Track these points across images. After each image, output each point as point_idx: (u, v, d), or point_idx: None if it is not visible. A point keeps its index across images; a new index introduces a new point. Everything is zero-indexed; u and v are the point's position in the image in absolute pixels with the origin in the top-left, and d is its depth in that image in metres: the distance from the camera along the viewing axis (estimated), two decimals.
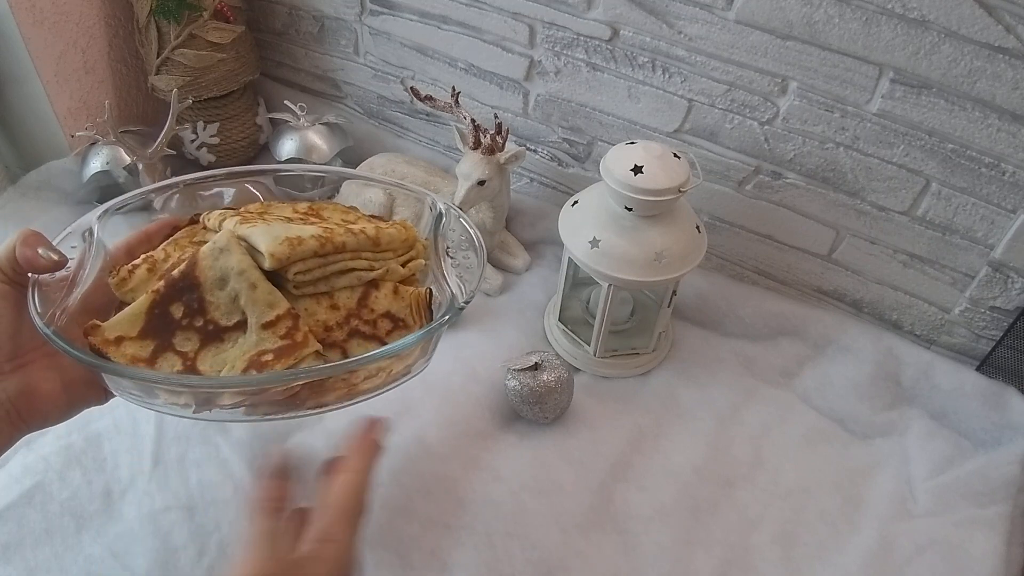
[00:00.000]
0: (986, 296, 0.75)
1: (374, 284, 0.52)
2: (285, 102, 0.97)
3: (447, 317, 0.49)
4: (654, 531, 0.65)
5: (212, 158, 1.01)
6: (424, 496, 0.65)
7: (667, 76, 0.78)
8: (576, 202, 0.75)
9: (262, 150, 1.05)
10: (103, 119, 0.85)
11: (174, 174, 0.92)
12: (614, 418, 0.74)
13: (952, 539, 0.64)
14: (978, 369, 0.77)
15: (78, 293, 0.48)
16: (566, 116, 0.88)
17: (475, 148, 0.79)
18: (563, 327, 0.81)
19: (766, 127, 0.76)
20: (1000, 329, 0.76)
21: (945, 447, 0.71)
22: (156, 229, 0.54)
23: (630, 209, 0.68)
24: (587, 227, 0.71)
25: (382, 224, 0.55)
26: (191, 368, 0.46)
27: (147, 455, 0.66)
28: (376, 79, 1.01)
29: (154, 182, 0.89)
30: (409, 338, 0.48)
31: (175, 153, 0.94)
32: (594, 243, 0.70)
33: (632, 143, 0.69)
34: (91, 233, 0.51)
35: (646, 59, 0.78)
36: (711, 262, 0.89)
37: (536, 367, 0.70)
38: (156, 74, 0.93)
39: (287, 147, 0.95)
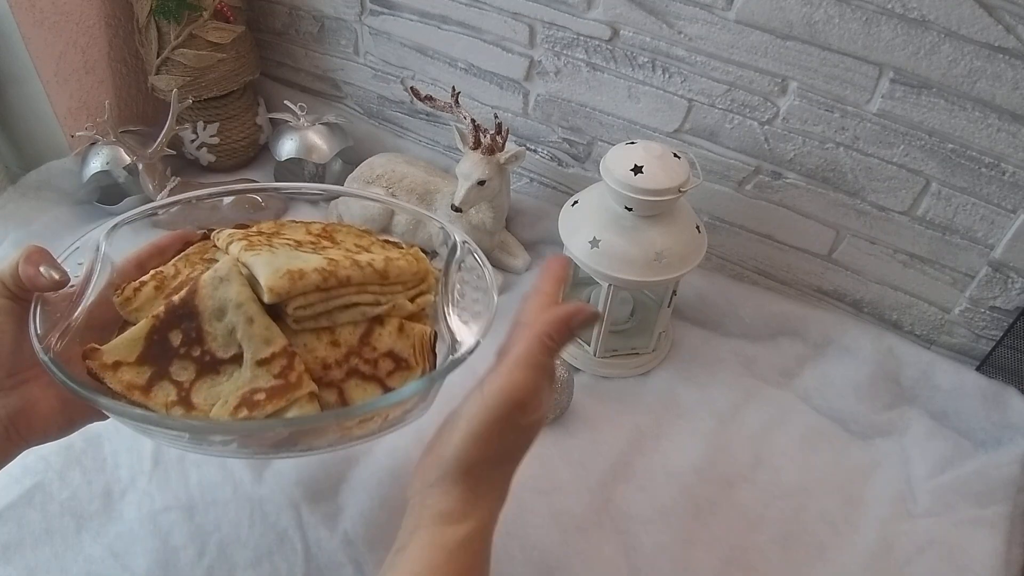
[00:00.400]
0: (986, 296, 0.75)
1: (379, 320, 0.50)
2: (285, 102, 0.97)
3: (448, 366, 0.47)
4: (654, 531, 0.65)
5: (212, 158, 1.01)
6: None
7: (667, 76, 0.78)
8: (576, 202, 0.75)
9: (262, 150, 1.05)
10: (103, 119, 0.85)
11: (174, 174, 0.92)
12: (614, 418, 0.74)
13: (952, 539, 0.64)
14: (978, 369, 0.77)
15: (84, 308, 0.47)
16: (566, 116, 0.88)
17: (475, 148, 0.79)
18: None
19: (766, 127, 0.76)
20: (1000, 329, 0.76)
21: (945, 447, 0.71)
22: (168, 243, 0.53)
23: (630, 209, 0.68)
24: (587, 227, 0.71)
25: (394, 253, 0.53)
26: (185, 399, 0.45)
27: (147, 455, 0.66)
28: (376, 79, 1.01)
29: (154, 182, 0.89)
30: (405, 390, 0.47)
31: (175, 153, 0.94)
32: (594, 243, 0.70)
33: (632, 143, 0.69)
34: (98, 248, 0.50)
35: (646, 59, 0.78)
36: (711, 262, 0.89)
37: None
38: (156, 74, 0.93)
39: (287, 147, 0.95)
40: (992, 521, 0.65)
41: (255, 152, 1.05)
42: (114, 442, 0.66)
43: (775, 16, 0.69)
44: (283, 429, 0.45)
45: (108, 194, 0.94)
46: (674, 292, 0.76)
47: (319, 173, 1.02)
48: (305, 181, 1.02)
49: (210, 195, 0.58)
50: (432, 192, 0.88)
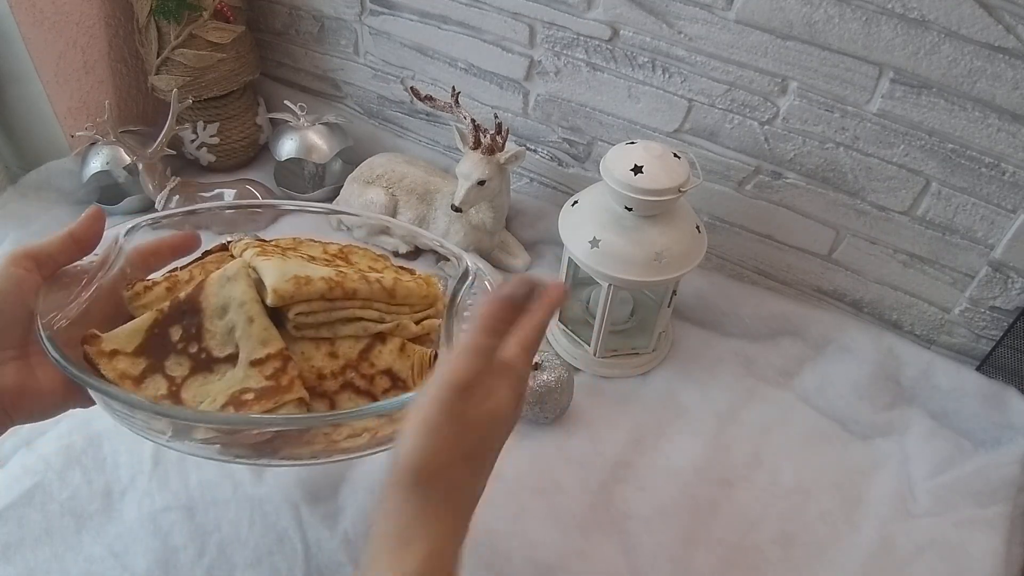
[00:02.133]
0: (986, 296, 0.75)
1: (381, 338, 0.49)
2: (285, 102, 0.97)
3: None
4: (654, 531, 0.65)
5: (212, 158, 1.01)
6: None
7: (667, 76, 0.78)
8: (576, 202, 0.75)
9: (262, 150, 1.05)
10: (103, 119, 0.85)
11: (174, 174, 0.92)
12: (614, 418, 0.74)
13: (952, 539, 0.64)
14: (978, 369, 0.77)
15: (91, 296, 0.48)
16: (566, 116, 0.88)
17: (475, 148, 0.79)
18: (563, 327, 0.81)
19: (766, 127, 0.76)
20: (1000, 329, 0.76)
21: (945, 447, 0.71)
22: (179, 242, 0.53)
23: (630, 209, 0.68)
24: (587, 227, 0.71)
25: (405, 276, 0.53)
26: (175, 395, 0.45)
27: (147, 455, 0.66)
28: (376, 79, 1.01)
29: (154, 182, 0.89)
30: (394, 401, 0.46)
31: (175, 153, 0.94)
32: (594, 243, 0.70)
33: (632, 143, 0.69)
34: (116, 241, 0.50)
35: (646, 59, 0.78)
36: (711, 262, 0.89)
37: (536, 367, 0.70)
38: (156, 74, 0.93)
39: (287, 147, 0.95)
40: (992, 521, 0.65)
41: (255, 152, 1.05)
42: (114, 442, 0.67)
43: (775, 16, 0.69)
44: (263, 428, 0.44)
45: (108, 194, 0.94)
46: (674, 292, 0.76)
47: (319, 173, 1.02)
48: (305, 181, 1.02)
49: (237, 206, 0.59)
50: (432, 192, 0.88)
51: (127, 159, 0.90)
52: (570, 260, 0.75)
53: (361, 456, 0.47)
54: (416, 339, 0.51)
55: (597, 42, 0.80)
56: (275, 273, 0.46)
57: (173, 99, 0.86)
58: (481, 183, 0.78)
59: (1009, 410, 0.71)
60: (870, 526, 0.66)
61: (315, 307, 0.47)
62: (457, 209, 0.79)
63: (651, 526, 0.65)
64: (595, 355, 0.78)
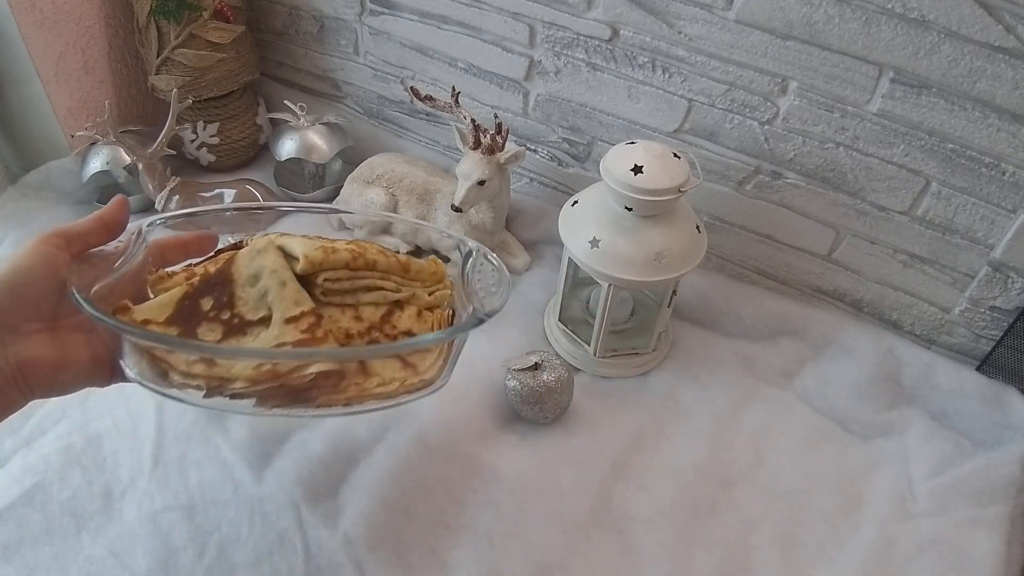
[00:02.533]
0: (986, 296, 0.75)
1: (399, 305, 0.53)
2: (285, 102, 0.97)
3: (472, 322, 0.50)
4: (654, 531, 0.65)
5: (212, 158, 1.01)
6: (424, 496, 0.65)
7: (667, 76, 0.78)
8: (576, 202, 0.75)
9: (262, 150, 1.06)
10: (103, 119, 0.85)
11: (174, 174, 0.92)
12: (614, 418, 0.74)
13: (952, 539, 0.64)
14: (978, 369, 0.77)
15: (114, 279, 0.49)
16: (566, 116, 0.88)
17: (475, 148, 0.79)
18: (563, 327, 0.81)
19: (766, 127, 0.76)
20: (1000, 329, 0.76)
21: (945, 447, 0.71)
22: (192, 239, 0.56)
23: (630, 209, 0.68)
24: (587, 227, 0.71)
25: (415, 260, 0.57)
26: (207, 360, 0.46)
27: (147, 455, 0.66)
28: (376, 79, 1.01)
29: (154, 182, 0.89)
30: (427, 337, 0.50)
31: (175, 153, 0.94)
32: (594, 243, 0.70)
33: (632, 143, 0.69)
34: (139, 232, 0.53)
35: (646, 59, 0.78)
36: (711, 262, 0.89)
37: (536, 367, 0.70)
38: (156, 74, 0.93)
39: (287, 147, 0.95)
40: (992, 521, 0.65)
41: (255, 152, 1.05)
42: (114, 442, 0.67)
43: (775, 16, 0.69)
44: (308, 359, 0.46)
45: (108, 194, 0.93)
46: (674, 292, 0.76)
47: (319, 173, 1.02)
48: (305, 181, 1.02)
49: (259, 208, 0.63)
50: (432, 192, 0.88)
51: (127, 159, 0.90)
52: (570, 260, 0.75)
53: (391, 406, 0.50)
54: (429, 308, 0.55)
55: (597, 42, 0.80)
56: (303, 244, 0.50)
57: (173, 99, 0.86)
58: (481, 183, 0.78)
59: (1009, 410, 0.71)
60: (870, 526, 0.66)
61: (340, 275, 0.50)
62: (457, 209, 0.79)
63: (651, 526, 0.65)
64: (595, 355, 0.78)
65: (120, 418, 0.68)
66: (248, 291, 0.49)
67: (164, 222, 0.55)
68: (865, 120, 0.71)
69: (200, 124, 0.98)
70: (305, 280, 0.50)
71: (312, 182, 1.02)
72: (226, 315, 0.48)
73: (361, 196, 0.89)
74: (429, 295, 0.55)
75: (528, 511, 0.65)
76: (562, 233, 0.74)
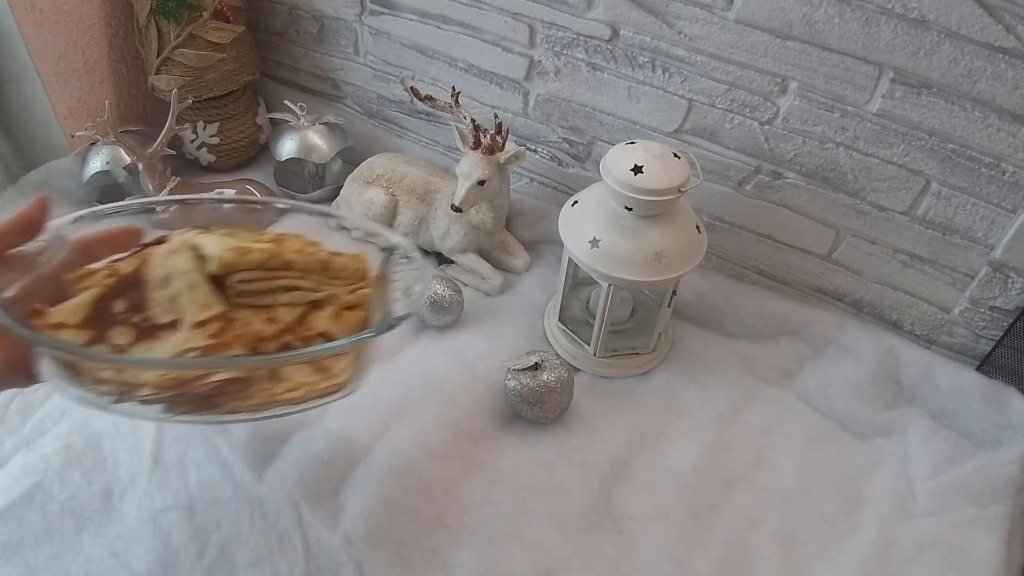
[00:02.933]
0: (986, 296, 0.75)
1: (317, 305, 0.51)
2: (285, 102, 0.97)
3: (381, 327, 0.48)
4: (654, 531, 0.65)
5: (212, 158, 1.01)
6: (424, 496, 0.65)
7: (667, 76, 0.78)
8: (576, 202, 0.75)
9: (262, 150, 1.05)
10: (103, 119, 0.85)
11: (174, 174, 0.92)
12: (614, 418, 0.74)
13: (952, 539, 0.64)
14: (978, 369, 0.77)
15: (32, 280, 0.48)
16: (566, 116, 0.88)
17: (475, 148, 0.79)
18: (563, 327, 0.81)
19: (766, 127, 0.76)
20: (1000, 329, 0.76)
21: (945, 447, 0.71)
22: (118, 233, 0.54)
23: (630, 209, 0.68)
24: (587, 227, 0.71)
25: (339, 255, 0.55)
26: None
27: (147, 455, 0.66)
28: (376, 79, 1.01)
29: (154, 182, 0.89)
30: (334, 344, 0.48)
31: (175, 153, 0.94)
32: (594, 243, 0.70)
33: (632, 143, 0.69)
34: (60, 229, 0.51)
35: (646, 59, 0.78)
36: (711, 262, 0.89)
37: (536, 367, 0.70)
38: (156, 74, 0.93)
39: (287, 147, 0.95)
40: (992, 521, 0.65)
41: (255, 152, 1.05)
42: (114, 442, 0.67)
43: (775, 16, 0.69)
44: (213, 368, 0.46)
45: (108, 194, 0.94)
46: (674, 292, 0.76)
47: (319, 173, 1.02)
48: (305, 181, 1.02)
49: (165, 202, 0.60)
50: (432, 192, 0.88)
51: (127, 159, 0.90)
52: (570, 260, 0.75)
53: (299, 412, 0.49)
54: (349, 308, 0.53)
55: (597, 42, 0.80)
56: (217, 244, 0.49)
57: (173, 99, 0.86)
58: (481, 183, 0.78)
59: (1009, 410, 0.71)
60: (870, 526, 0.66)
61: (255, 275, 0.49)
62: (457, 209, 0.79)
63: (651, 526, 0.65)
64: (595, 355, 0.78)
65: (120, 418, 0.68)
66: (160, 293, 0.48)
67: (92, 217, 0.53)
68: (865, 120, 0.71)
69: (200, 124, 0.98)
70: (220, 281, 0.49)
71: (312, 182, 1.02)
72: (138, 318, 0.47)
73: (361, 196, 0.89)
74: (350, 294, 0.54)
75: (528, 511, 0.65)
76: (562, 233, 0.74)
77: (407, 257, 0.56)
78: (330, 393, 0.50)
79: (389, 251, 0.56)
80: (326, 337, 0.50)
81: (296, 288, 0.51)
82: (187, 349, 0.46)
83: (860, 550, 0.64)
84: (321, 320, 0.51)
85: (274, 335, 0.49)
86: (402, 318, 0.49)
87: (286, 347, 0.49)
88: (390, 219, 0.89)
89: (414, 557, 0.61)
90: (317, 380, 0.49)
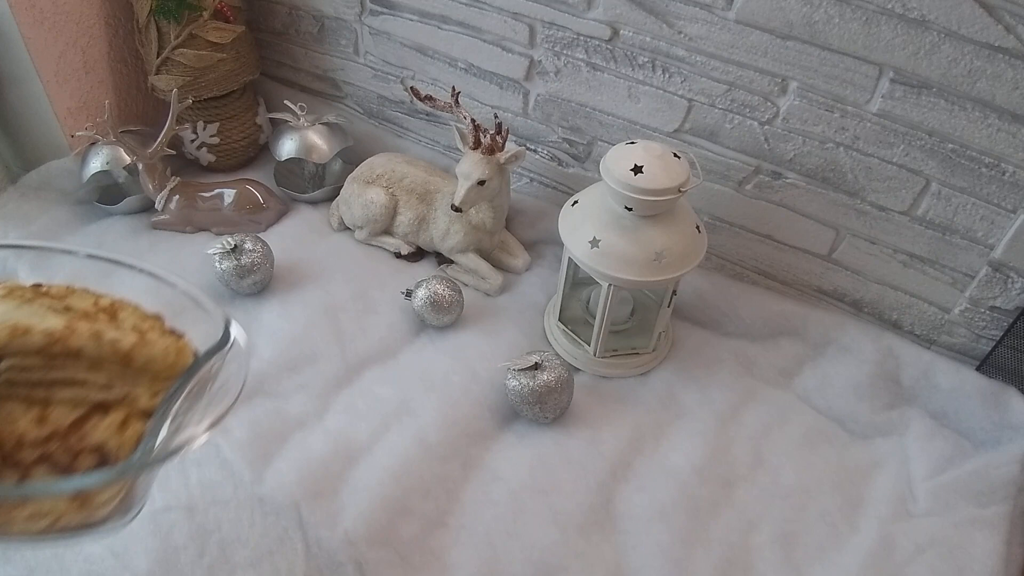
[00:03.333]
0: (986, 296, 0.75)
1: (104, 407, 0.43)
2: (285, 102, 0.97)
3: (134, 465, 0.40)
4: (654, 531, 0.65)
5: (212, 158, 1.01)
6: (424, 496, 0.65)
7: (667, 76, 0.78)
8: (576, 202, 0.75)
9: (262, 150, 1.05)
10: (103, 119, 0.85)
11: (174, 174, 0.92)
12: (614, 418, 0.74)
13: (952, 539, 0.64)
14: (978, 369, 0.77)
15: None
16: (566, 116, 0.88)
17: (475, 148, 0.79)
18: (563, 327, 0.81)
19: (766, 127, 0.76)
20: (1000, 329, 0.76)
21: (945, 447, 0.71)
22: None
23: (630, 209, 0.68)
24: (587, 227, 0.71)
25: (166, 342, 0.46)
26: None
27: None
28: (376, 79, 1.01)
29: (154, 182, 0.89)
30: (74, 481, 0.40)
31: (175, 153, 0.94)
32: (594, 243, 0.70)
33: (632, 143, 0.69)
34: None
35: (646, 59, 0.78)
36: (711, 262, 0.89)
37: (536, 367, 0.70)
38: (156, 74, 0.93)
39: (287, 147, 0.95)
40: (992, 521, 0.65)
41: (255, 152, 1.05)
42: None
43: (775, 16, 0.69)
44: None
45: (108, 194, 0.94)
46: (674, 292, 0.76)
47: (319, 173, 1.02)
48: (305, 181, 1.02)
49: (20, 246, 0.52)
50: (432, 192, 0.88)
51: (127, 159, 0.90)
52: (570, 260, 0.75)
53: (46, 542, 0.42)
54: (148, 413, 0.44)
55: (597, 42, 0.80)
56: None
57: (173, 99, 0.86)
58: (481, 183, 0.78)
59: (1009, 410, 0.71)
60: (870, 526, 0.66)
61: (31, 362, 0.41)
62: (457, 209, 0.79)
63: (651, 526, 0.65)
64: (595, 355, 0.78)
65: None
66: None
67: None
68: (865, 120, 0.71)
69: (200, 124, 0.98)
70: None
71: (312, 182, 1.02)
72: None
73: (361, 196, 0.89)
74: (153, 397, 0.44)
75: (528, 511, 0.65)
76: (562, 233, 0.74)
77: (237, 344, 0.46)
78: (84, 526, 0.42)
79: (222, 341, 0.45)
80: (101, 453, 0.42)
81: (81, 383, 0.42)
82: None
83: (860, 550, 0.64)
84: (101, 429, 0.42)
85: (37, 441, 0.41)
86: (169, 453, 0.40)
87: (46, 458, 0.40)
88: (390, 219, 0.89)
89: (414, 557, 0.61)
90: (68, 510, 0.41)
